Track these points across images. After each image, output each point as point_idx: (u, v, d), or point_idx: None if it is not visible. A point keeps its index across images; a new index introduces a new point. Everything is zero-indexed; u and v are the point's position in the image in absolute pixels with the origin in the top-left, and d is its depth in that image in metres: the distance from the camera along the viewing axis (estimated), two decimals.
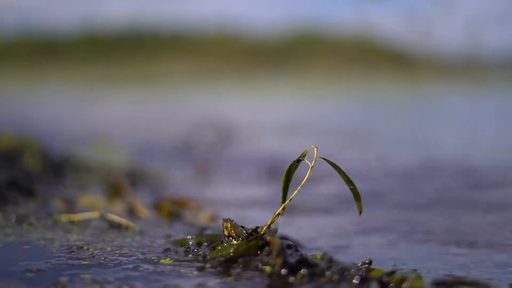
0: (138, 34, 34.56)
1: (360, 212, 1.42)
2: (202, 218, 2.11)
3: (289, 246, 1.33)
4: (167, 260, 1.39)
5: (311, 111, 7.89)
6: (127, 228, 1.75)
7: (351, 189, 1.41)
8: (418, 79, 21.32)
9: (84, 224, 1.81)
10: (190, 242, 1.53)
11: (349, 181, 1.40)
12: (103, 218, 1.81)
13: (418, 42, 30.05)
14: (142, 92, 13.45)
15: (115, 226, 1.76)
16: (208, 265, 1.35)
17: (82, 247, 1.49)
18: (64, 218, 1.83)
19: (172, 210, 2.09)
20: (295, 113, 7.45)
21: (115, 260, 1.39)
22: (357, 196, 1.41)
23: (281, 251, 1.29)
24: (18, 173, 2.61)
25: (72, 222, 1.81)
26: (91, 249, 1.47)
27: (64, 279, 1.23)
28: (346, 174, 1.39)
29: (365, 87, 15.81)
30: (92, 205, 2.16)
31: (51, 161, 3.23)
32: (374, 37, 32.92)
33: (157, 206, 2.14)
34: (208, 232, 1.64)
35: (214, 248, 1.43)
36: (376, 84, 17.45)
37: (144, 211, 2.09)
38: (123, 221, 1.77)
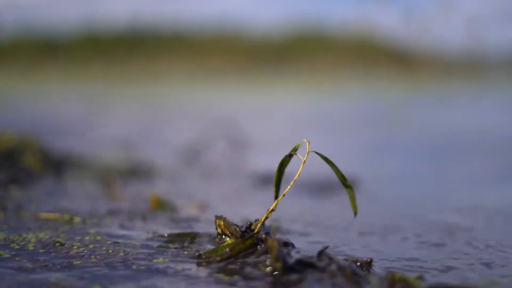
0: (138, 34, 34.51)
1: (355, 214, 1.36)
2: (192, 208, 2.09)
3: (286, 244, 1.31)
4: (160, 260, 1.38)
5: (313, 112, 7.64)
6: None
7: (344, 184, 1.36)
8: (420, 77, 21.30)
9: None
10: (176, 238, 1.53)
11: (343, 178, 1.35)
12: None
13: (420, 40, 30.02)
14: (143, 92, 13.42)
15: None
16: (204, 263, 1.34)
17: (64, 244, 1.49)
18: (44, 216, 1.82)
19: (161, 201, 2.07)
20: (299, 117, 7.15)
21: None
22: (351, 196, 1.36)
23: (280, 255, 1.27)
24: (18, 172, 2.62)
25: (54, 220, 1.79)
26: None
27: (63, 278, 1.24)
28: (340, 170, 1.35)
29: (366, 87, 15.77)
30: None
31: (51, 160, 3.23)
32: (376, 36, 32.88)
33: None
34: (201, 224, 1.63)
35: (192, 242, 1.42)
36: (377, 84, 17.40)
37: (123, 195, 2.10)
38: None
